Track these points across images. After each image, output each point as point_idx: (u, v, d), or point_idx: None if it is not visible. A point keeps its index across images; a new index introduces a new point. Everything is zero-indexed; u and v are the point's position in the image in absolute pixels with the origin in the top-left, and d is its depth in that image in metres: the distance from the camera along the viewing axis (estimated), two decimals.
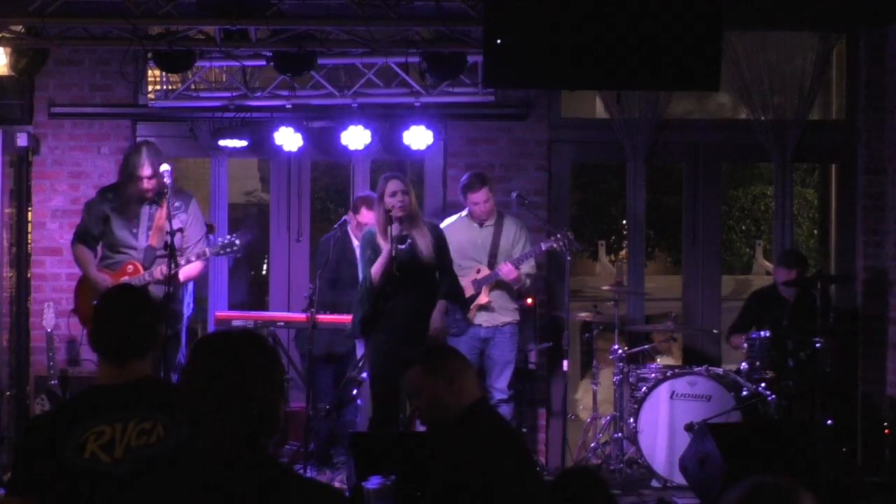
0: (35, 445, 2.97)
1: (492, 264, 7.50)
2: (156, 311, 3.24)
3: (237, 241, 6.71)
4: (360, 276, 6.68)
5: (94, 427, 2.95)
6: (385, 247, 6.48)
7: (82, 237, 6.91)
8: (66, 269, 8.04)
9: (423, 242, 6.58)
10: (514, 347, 7.57)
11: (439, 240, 6.75)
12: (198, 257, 6.74)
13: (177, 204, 6.75)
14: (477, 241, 7.56)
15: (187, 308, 7.72)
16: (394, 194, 6.49)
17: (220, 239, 6.80)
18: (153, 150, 6.85)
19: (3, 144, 8.13)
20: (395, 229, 6.43)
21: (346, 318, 7.23)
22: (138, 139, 8.14)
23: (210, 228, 6.80)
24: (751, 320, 7.93)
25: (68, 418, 3.01)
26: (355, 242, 7.47)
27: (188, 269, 6.72)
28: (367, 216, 7.36)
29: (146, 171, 6.70)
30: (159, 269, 6.58)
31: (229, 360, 2.51)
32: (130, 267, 6.70)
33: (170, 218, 6.63)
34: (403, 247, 6.53)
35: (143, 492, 2.49)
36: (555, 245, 7.43)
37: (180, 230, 6.63)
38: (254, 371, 2.50)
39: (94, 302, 6.63)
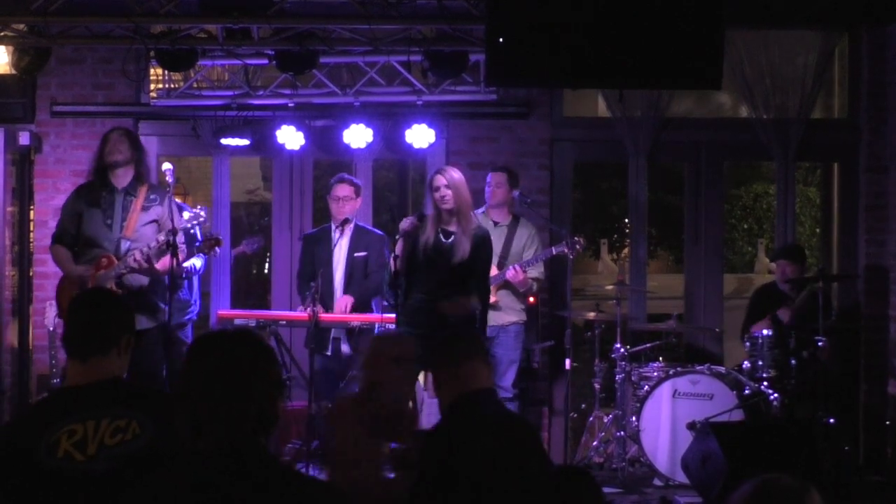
0: (7, 447, 2.97)
1: (501, 265, 7.51)
2: (121, 309, 3.21)
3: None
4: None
5: (65, 426, 2.95)
6: (426, 234, 6.61)
7: (59, 237, 6.82)
8: None
9: (464, 244, 6.62)
10: (519, 347, 7.57)
11: (479, 246, 6.72)
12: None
13: (152, 197, 6.72)
14: None
15: (195, 305, 7.71)
16: (437, 189, 6.65)
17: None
18: (127, 129, 7.01)
19: (6, 143, 8.14)
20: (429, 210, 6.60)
21: (349, 317, 7.24)
22: (140, 137, 8.13)
23: (217, 242, 6.71)
24: (759, 314, 7.90)
25: (40, 419, 3.01)
26: (333, 228, 7.55)
27: (164, 262, 6.54)
28: (338, 190, 7.46)
29: (114, 134, 6.77)
30: (132, 257, 6.50)
31: (226, 359, 2.51)
32: (104, 260, 6.59)
33: (144, 210, 6.65)
34: (448, 241, 6.62)
35: (142, 492, 2.49)
36: (566, 250, 7.43)
37: (155, 222, 6.64)
38: (251, 369, 2.50)
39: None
